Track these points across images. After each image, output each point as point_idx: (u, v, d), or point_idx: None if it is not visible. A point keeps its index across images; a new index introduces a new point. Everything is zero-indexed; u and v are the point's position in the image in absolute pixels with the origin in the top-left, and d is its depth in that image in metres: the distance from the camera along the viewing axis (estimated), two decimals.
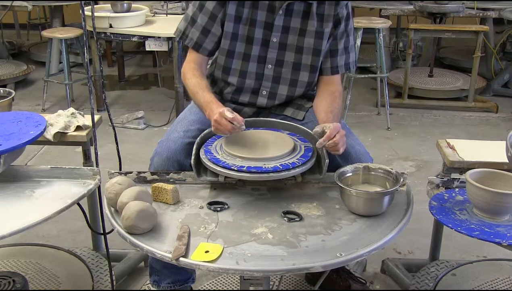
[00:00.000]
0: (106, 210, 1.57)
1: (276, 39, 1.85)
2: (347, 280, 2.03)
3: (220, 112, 1.63)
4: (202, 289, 2.11)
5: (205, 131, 1.78)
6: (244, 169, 1.57)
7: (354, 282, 2.03)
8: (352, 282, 2.03)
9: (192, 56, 1.91)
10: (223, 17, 1.84)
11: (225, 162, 1.61)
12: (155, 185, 1.61)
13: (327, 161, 1.65)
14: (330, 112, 1.78)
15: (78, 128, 2.02)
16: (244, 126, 1.65)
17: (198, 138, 1.73)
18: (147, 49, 3.92)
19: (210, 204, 1.58)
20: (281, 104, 1.98)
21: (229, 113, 1.62)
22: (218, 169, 1.60)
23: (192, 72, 1.87)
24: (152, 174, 1.72)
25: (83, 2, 1.63)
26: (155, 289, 1.93)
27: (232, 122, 1.62)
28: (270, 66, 1.88)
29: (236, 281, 2.14)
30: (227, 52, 1.87)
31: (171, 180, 1.71)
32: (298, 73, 1.90)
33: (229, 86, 1.94)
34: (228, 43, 1.86)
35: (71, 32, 4.04)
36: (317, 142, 1.60)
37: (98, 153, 1.74)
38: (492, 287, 2.02)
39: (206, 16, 1.85)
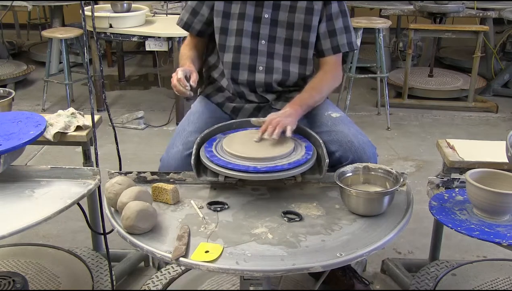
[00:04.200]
0: (106, 210, 1.57)
1: (268, 15, 1.92)
2: (352, 279, 2.03)
3: (176, 71, 1.79)
4: (202, 289, 2.11)
5: (205, 132, 1.78)
6: (244, 169, 1.57)
7: (358, 282, 2.03)
8: (356, 281, 2.03)
9: (187, 38, 2.09)
10: None
11: (225, 161, 1.61)
12: (155, 185, 1.61)
13: (327, 161, 1.65)
14: (299, 93, 1.91)
15: (78, 128, 2.02)
16: (188, 90, 1.76)
17: (198, 138, 1.73)
18: (147, 49, 3.93)
19: (210, 204, 1.58)
20: (281, 99, 1.99)
21: (180, 73, 1.77)
22: (218, 168, 1.60)
23: (184, 44, 2.06)
24: (152, 174, 1.72)
25: (83, 2, 1.63)
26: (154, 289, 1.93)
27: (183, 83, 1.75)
28: (263, 42, 1.94)
29: (236, 281, 2.14)
30: (221, 30, 1.95)
31: (171, 180, 1.71)
32: (290, 49, 1.96)
33: (226, 66, 1.98)
34: (220, 21, 1.94)
35: (71, 32, 4.04)
36: (256, 138, 1.72)
37: (98, 153, 1.74)
38: (492, 287, 2.02)
39: None
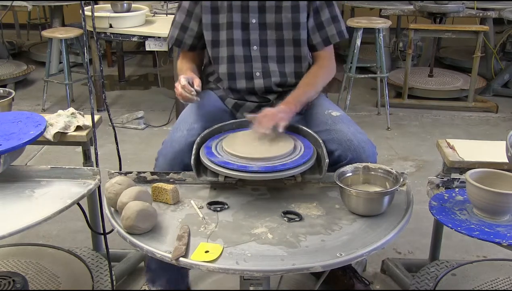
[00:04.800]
0: (106, 210, 1.57)
1: (255, 20, 1.92)
2: (352, 279, 2.02)
3: (179, 79, 1.79)
4: (202, 289, 2.11)
5: (205, 132, 1.78)
6: (244, 169, 1.57)
7: (358, 282, 2.03)
8: (356, 281, 2.03)
9: (181, 54, 2.10)
10: (200, 12, 1.94)
11: (225, 161, 1.61)
12: (155, 185, 1.61)
13: (327, 160, 1.65)
14: (292, 91, 1.91)
15: (78, 128, 2.02)
16: (194, 96, 1.75)
17: (198, 138, 1.73)
18: (147, 49, 3.92)
19: (210, 204, 1.58)
20: (282, 97, 1.99)
21: (183, 80, 1.77)
22: (218, 168, 1.60)
23: (180, 59, 2.07)
24: (152, 174, 1.72)
25: (83, 2, 1.63)
26: (154, 289, 1.93)
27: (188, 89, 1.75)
28: (255, 47, 1.95)
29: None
30: (212, 43, 1.96)
31: (171, 180, 1.71)
32: (283, 49, 1.96)
33: (222, 76, 1.98)
34: (210, 34, 1.95)
35: (71, 32, 4.04)
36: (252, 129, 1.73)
37: (98, 153, 1.74)
38: (492, 287, 2.02)
39: (184, 13, 1.98)
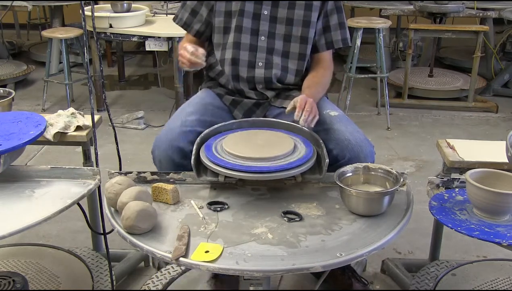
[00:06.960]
0: (106, 210, 1.57)
1: (267, 12, 1.95)
2: (350, 279, 2.03)
3: (183, 46, 1.84)
4: (202, 289, 2.11)
5: (205, 131, 1.78)
6: (244, 169, 1.57)
7: (356, 282, 2.03)
8: (354, 281, 2.03)
9: (185, 38, 2.11)
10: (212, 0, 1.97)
11: (225, 161, 1.61)
12: (155, 185, 1.61)
13: (327, 160, 1.65)
14: (307, 87, 1.93)
15: (78, 128, 2.02)
16: (203, 62, 1.82)
17: (198, 138, 1.74)
18: (147, 49, 3.92)
19: (210, 204, 1.58)
20: (281, 97, 2.01)
21: (190, 47, 1.81)
22: (218, 168, 1.60)
23: (184, 40, 2.08)
24: (152, 174, 1.72)
25: (83, 2, 1.63)
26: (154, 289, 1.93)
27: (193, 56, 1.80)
28: (263, 38, 1.97)
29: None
30: (221, 29, 1.98)
31: (171, 180, 1.71)
32: (289, 45, 1.98)
33: (226, 62, 1.99)
34: (222, 21, 1.97)
35: (71, 32, 4.04)
36: (295, 117, 1.73)
37: (98, 153, 1.74)
38: (492, 287, 2.02)
39: None
